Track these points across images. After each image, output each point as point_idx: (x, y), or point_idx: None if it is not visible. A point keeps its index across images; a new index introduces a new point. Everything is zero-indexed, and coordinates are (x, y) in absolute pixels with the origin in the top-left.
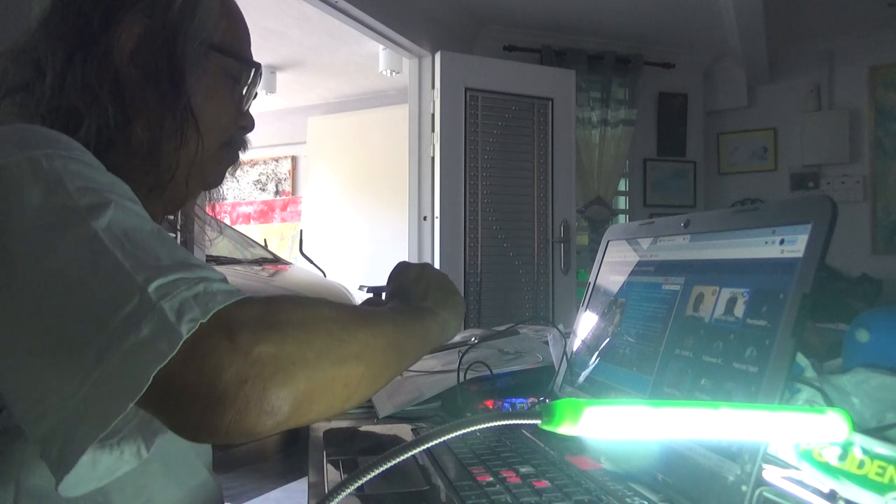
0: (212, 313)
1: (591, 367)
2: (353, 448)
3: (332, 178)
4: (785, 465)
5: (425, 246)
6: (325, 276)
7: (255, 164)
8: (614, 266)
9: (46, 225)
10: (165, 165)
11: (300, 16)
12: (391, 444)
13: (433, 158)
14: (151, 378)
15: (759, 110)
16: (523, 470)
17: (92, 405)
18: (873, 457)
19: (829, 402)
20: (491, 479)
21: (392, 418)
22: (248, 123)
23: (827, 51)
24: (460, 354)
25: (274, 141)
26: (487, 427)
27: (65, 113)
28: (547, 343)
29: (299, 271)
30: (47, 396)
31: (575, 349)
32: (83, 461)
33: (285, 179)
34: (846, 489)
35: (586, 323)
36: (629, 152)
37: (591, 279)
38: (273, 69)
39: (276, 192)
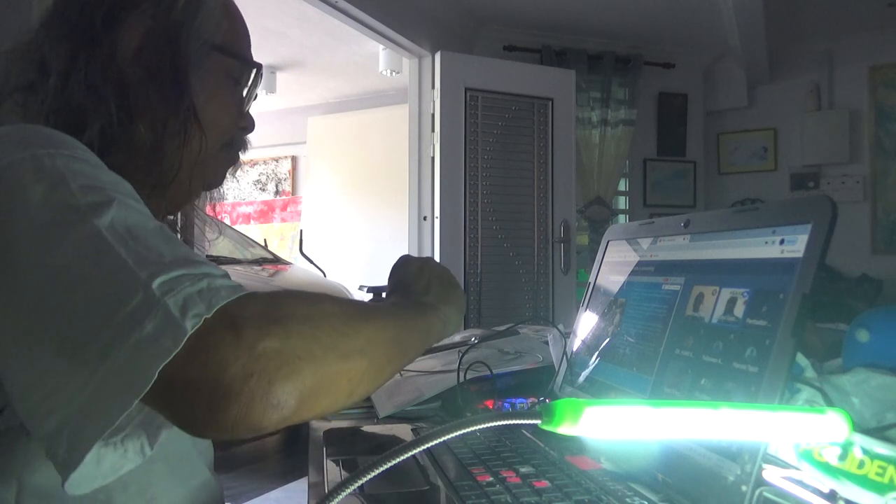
0: (216, 309)
1: (591, 367)
2: (353, 448)
3: (332, 178)
4: (785, 465)
5: (425, 246)
6: (325, 276)
7: (255, 164)
8: (614, 266)
9: (49, 223)
10: (168, 165)
11: (300, 16)
12: (391, 444)
13: (433, 158)
14: (157, 374)
15: (759, 110)
16: (523, 470)
17: (97, 402)
18: (873, 457)
19: (829, 402)
20: (491, 479)
21: (392, 418)
22: (249, 124)
23: (827, 51)
24: (460, 354)
25: (274, 141)
26: (487, 427)
27: (69, 113)
28: (547, 343)
29: (299, 271)
30: (52, 394)
31: (575, 349)
32: (88, 459)
33: (285, 179)
34: (846, 489)
35: (586, 323)
36: (629, 152)
37: (591, 279)
38: (273, 69)
39: (276, 192)
